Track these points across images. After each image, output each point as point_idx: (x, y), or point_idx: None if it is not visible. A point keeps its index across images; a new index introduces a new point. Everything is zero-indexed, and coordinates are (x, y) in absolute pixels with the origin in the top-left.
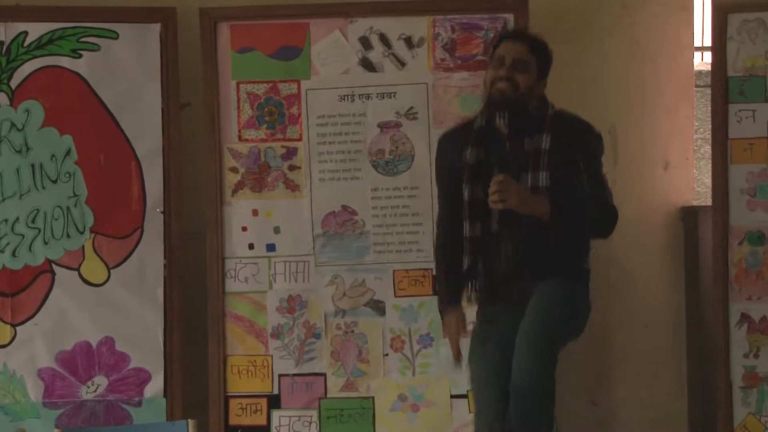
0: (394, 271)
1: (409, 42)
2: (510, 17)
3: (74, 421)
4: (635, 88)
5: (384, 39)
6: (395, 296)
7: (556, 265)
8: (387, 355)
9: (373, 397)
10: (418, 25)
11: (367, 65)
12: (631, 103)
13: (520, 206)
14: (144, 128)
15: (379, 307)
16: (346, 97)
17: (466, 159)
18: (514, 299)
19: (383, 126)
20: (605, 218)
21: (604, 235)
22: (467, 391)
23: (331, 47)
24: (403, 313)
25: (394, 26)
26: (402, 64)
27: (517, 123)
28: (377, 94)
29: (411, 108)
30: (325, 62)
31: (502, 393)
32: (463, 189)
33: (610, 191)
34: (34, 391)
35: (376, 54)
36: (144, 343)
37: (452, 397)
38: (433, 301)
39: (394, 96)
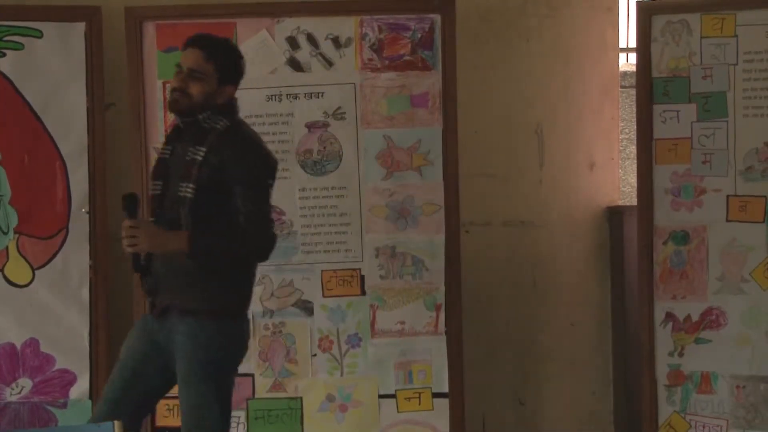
0: (322, 271)
1: (336, 42)
2: (437, 18)
3: None
4: (561, 89)
5: (311, 39)
6: (323, 296)
7: (202, 299)
8: (315, 355)
9: (301, 398)
10: (346, 25)
11: (295, 65)
12: (557, 104)
13: (152, 248)
14: (69, 128)
15: (307, 308)
16: (273, 97)
17: (156, 154)
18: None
19: (311, 126)
20: (257, 248)
21: (257, 261)
22: (395, 390)
23: (258, 47)
24: (331, 313)
25: (321, 26)
26: (329, 64)
27: (187, 132)
28: (305, 93)
29: (339, 108)
30: (252, 62)
31: (118, 404)
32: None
33: (267, 217)
34: None
35: (304, 54)
36: (69, 345)
37: (380, 396)
38: (362, 300)
39: (322, 96)
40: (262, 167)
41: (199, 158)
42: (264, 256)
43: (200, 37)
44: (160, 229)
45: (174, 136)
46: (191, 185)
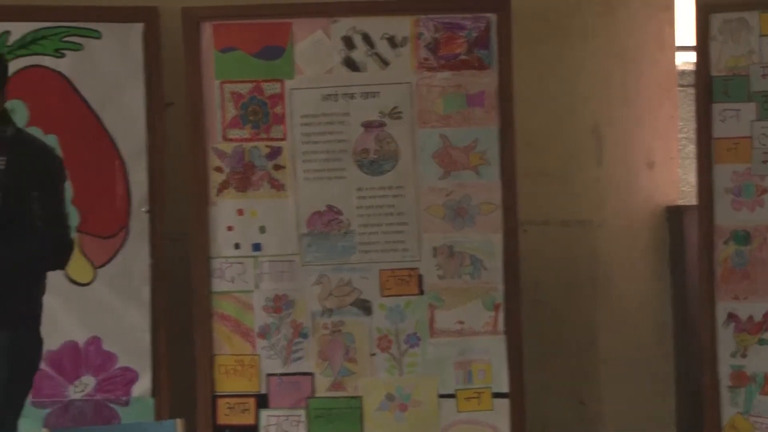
0: (380, 270)
1: (392, 41)
2: (493, 16)
3: (62, 421)
4: (618, 88)
5: (367, 38)
6: (381, 295)
7: None
8: (374, 354)
9: (360, 397)
10: (401, 25)
11: (351, 65)
12: (614, 103)
13: None
14: (128, 128)
15: (365, 307)
16: (329, 97)
17: None
18: None
19: (367, 126)
20: (56, 253)
21: (55, 268)
22: (455, 390)
23: (314, 47)
24: (390, 312)
25: (377, 26)
26: (385, 63)
27: None
28: (361, 93)
29: (395, 107)
30: (308, 62)
31: None
32: None
33: (66, 222)
34: None
35: (359, 53)
36: (131, 343)
37: (440, 396)
38: (420, 300)
39: (378, 95)
40: (58, 171)
41: (2, 167)
42: (63, 262)
43: None
44: None
45: None
46: None
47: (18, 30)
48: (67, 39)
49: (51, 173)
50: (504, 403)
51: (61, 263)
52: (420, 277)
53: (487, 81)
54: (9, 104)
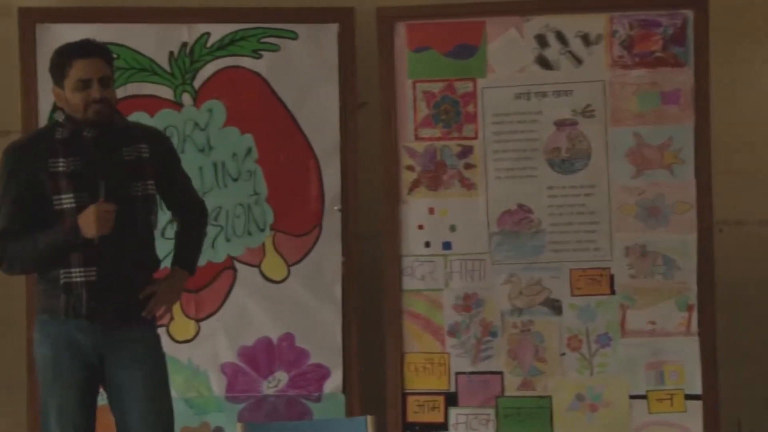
0: (570, 269)
1: (586, 39)
2: (689, 13)
3: (256, 416)
4: None
5: (560, 36)
6: (572, 295)
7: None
8: (564, 354)
9: (550, 396)
10: (596, 22)
11: (544, 63)
12: None
13: (173, 299)
14: (322, 127)
15: (555, 306)
16: (521, 95)
17: (60, 168)
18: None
19: (559, 124)
20: (207, 219)
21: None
22: (646, 391)
23: (507, 45)
24: (580, 312)
25: (570, 24)
26: (579, 61)
27: (103, 138)
28: (553, 92)
29: (588, 106)
30: (500, 60)
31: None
32: (57, 199)
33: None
34: (217, 385)
35: (552, 52)
36: (322, 340)
37: (631, 397)
38: (612, 300)
39: (571, 94)
40: (174, 149)
41: (146, 155)
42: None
43: (91, 45)
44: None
45: (72, 149)
46: (150, 182)
47: (217, 32)
48: (264, 40)
49: (175, 151)
50: (697, 405)
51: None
52: (611, 277)
53: (682, 79)
54: (207, 104)
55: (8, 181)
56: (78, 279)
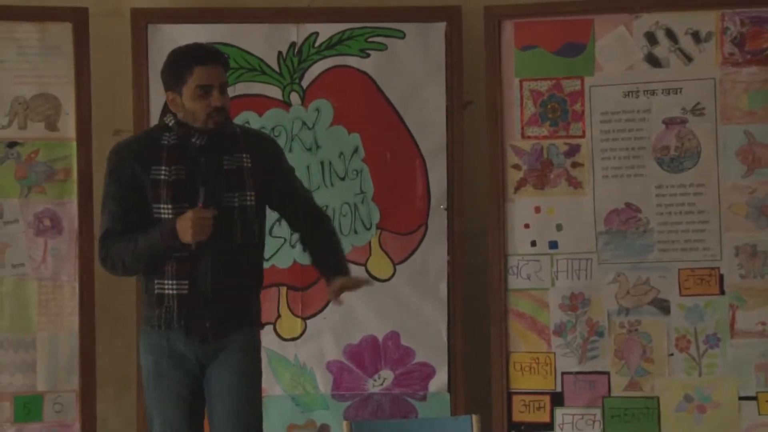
0: (679, 269)
1: (696, 37)
2: None
3: (361, 414)
4: None
5: (670, 34)
6: (680, 295)
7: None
8: (672, 354)
9: (657, 397)
10: (706, 20)
11: (653, 61)
12: None
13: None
14: (428, 126)
15: (663, 306)
16: (630, 93)
17: (162, 177)
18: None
19: (668, 122)
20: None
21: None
22: (756, 392)
23: (616, 43)
24: (689, 312)
25: (680, 21)
26: (689, 59)
27: (209, 144)
28: (662, 89)
29: (697, 104)
30: (609, 58)
31: None
32: (156, 207)
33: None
34: (323, 383)
35: (662, 49)
36: (428, 338)
37: (740, 399)
38: (721, 300)
39: (680, 92)
40: (283, 152)
41: (248, 164)
42: None
43: (211, 51)
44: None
45: (177, 157)
46: (249, 192)
47: (325, 32)
48: (372, 39)
49: (284, 156)
50: None
51: None
52: (721, 277)
53: None
54: (315, 103)
55: (112, 181)
56: (170, 291)
